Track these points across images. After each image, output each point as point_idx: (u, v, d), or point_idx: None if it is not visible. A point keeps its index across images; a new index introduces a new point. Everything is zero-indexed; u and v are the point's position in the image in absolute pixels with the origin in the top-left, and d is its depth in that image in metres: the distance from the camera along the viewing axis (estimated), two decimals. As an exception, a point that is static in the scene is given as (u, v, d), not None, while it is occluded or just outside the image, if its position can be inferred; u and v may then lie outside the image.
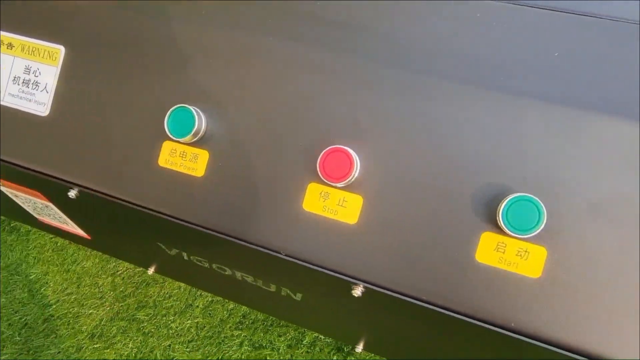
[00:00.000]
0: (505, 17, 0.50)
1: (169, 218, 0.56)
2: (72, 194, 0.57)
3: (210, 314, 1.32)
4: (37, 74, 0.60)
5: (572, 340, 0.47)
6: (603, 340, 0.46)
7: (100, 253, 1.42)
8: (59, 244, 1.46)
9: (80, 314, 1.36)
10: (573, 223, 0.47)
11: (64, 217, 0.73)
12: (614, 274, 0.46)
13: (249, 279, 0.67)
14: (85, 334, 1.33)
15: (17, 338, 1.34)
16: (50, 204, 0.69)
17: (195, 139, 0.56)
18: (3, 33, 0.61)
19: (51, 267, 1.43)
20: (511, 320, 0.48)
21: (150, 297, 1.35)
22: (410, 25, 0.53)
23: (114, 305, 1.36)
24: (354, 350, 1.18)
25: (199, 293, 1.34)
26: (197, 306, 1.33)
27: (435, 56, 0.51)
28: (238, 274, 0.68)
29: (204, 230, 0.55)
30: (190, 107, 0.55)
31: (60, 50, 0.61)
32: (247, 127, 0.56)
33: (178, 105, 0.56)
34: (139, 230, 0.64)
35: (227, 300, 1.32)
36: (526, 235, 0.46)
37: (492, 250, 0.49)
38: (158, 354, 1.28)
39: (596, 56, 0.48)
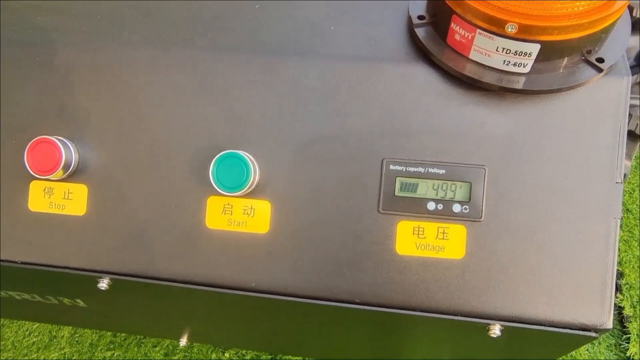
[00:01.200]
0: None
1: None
2: None
3: (77, 341, 1.24)
4: None
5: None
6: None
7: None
8: None
9: None
10: (284, 171, 0.48)
11: None
12: (332, 211, 0.47)
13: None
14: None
15: None
16: None
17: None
18: None
19: None
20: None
21: (8, 339, 1.25)
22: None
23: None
24: (226, 350, 1.16)
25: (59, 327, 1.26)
26: (62, 336, 1.25)
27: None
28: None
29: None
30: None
31: None
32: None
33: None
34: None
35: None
36: (239, 192, 0.46)
37: (219, 214, 0.48)
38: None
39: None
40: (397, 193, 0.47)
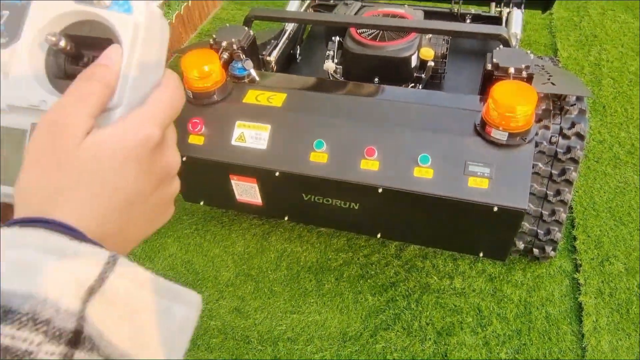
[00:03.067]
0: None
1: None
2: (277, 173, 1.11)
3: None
4: None
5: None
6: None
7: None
8: None
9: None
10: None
11: (258, 193, 1.20)
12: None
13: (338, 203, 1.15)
14: None
15: None
16: (256, 185, 1.18)
17: None
18: None
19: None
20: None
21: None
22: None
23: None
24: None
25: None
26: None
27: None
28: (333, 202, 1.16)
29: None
30: None
31: None
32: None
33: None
34: (293, 189, 1.16)
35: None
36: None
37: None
38: None
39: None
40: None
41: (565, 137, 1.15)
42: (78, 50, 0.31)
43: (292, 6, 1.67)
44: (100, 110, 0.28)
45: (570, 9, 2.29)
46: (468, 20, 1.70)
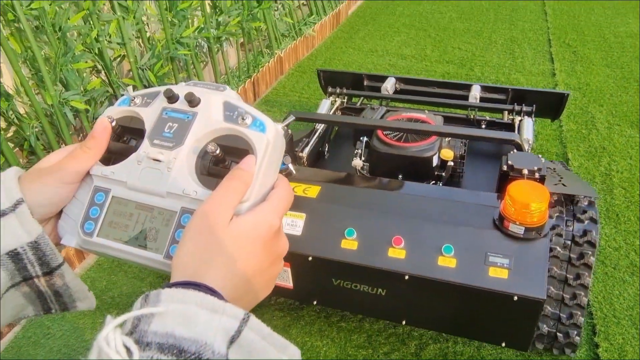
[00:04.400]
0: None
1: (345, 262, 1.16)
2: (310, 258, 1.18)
3: None
4: None
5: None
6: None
7: None
8: None
9: None
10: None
11: (290, 277, 1.27)
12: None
13: (365, 288, 1.20)
14: None
15: None
16: (289, 269, 1.25)
17: None
18: None
19: None
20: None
21: None
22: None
23: None
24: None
25: None
26: None
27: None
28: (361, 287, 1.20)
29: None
30: None
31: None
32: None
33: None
34: (324, 273, 1.22)
35: None
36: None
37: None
38: None
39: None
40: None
41: (577, 244, 1.21)
42: (223, 156, 0.40)
43: (323, 107, 1.84)
44: (239, 202, 0.37)
45: (578, 122, 2.44)
46: (483, 126, 1.85)
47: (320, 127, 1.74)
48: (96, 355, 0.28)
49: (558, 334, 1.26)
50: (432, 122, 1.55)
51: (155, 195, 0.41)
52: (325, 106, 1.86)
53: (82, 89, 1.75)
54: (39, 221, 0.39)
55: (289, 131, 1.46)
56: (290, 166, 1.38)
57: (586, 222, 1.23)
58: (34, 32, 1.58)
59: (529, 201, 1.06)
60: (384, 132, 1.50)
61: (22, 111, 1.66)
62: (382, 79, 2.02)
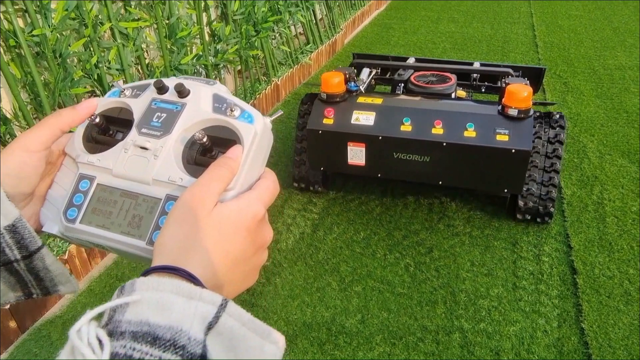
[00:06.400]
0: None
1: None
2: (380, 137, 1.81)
3: None
4: None
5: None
6: None
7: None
8: None
9: None
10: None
11: (364, 155, 1.85)
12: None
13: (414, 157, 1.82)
14: None
15: None
16: (364, 148, 1.84)
17: None
18: None
19: None
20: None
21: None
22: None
23: None
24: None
25: None
26: None
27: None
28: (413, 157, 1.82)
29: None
30: None
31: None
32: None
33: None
34: (388, 149, 1.82)
35: None
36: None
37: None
38: None
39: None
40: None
41: (552, 128, 1.88)
42: (210, 145, 0.40)
43: (364, 73, 2.19)
44: (224, 189, 0.37)
45: (570, 151, 2.47)
46: (483, 89, 2.28)
47: (363, 85, 2.15)
48: (69, 350, 0.27)
49: (539, 207, 1.90)
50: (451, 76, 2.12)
51: (141, 182, 0.40)
52: (366, 72, 2.20)
53: (80, 113, 1.76)
54: (15, 204, 0.38)
55: (355, 70, 2.04)
56: (362, 86, 1.92)
57: (557, 128, 1.87)
58: (35, 57, 1.60)
59: (521, 90, 1.74)
60: (416, 79, 2.08)
61: (19, 135, 1.67)
62: (404, 59, 2.52)
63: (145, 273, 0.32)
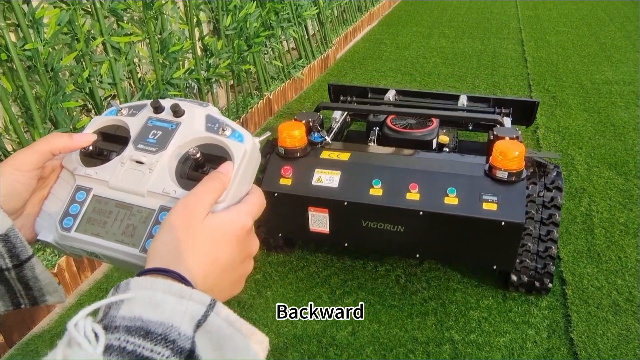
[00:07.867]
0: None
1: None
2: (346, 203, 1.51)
3: None
4: None
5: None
6: None
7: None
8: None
9: None
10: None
11: (327, 222, 1.57)
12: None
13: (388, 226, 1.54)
14: None
15: None
16: (327, 215, 1.56)
17: None
18: None
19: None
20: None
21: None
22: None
23: None
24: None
25: None
26: None
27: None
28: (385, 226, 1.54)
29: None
30: None
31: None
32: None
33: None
34: (356, 216, 1.55)
35: None
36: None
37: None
38: None
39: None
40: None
41: (548, 190, 1.59)
42: (203, 161, 0.43)
43: (336, 114, 2.12)
44: (216, 201, 0.40)
45: (559, 163, 2.50)
46: (470, 127, 2.20)
47: (335, 126, 2.05)
48: (66, 342, 0.29)
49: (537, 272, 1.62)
50: (433, 119, 1.94)
51: (136, 194, 0.43)
52: (338, 114, 2.10)
53: (71, 127, 1.77)
54: (7, 214, 0.40)
55: (321, 117, 1.76)
56: (327, 138, 1.68)
57: (553, 190, 1.59)
58: (26, 71, 1.61)
59: (512, 149, 1.45)
60: (392, 122, 1.92)
61: (9, 148, 1.67)
62: (384, 91, 2.32)
63: (140, 274, 0.34)
